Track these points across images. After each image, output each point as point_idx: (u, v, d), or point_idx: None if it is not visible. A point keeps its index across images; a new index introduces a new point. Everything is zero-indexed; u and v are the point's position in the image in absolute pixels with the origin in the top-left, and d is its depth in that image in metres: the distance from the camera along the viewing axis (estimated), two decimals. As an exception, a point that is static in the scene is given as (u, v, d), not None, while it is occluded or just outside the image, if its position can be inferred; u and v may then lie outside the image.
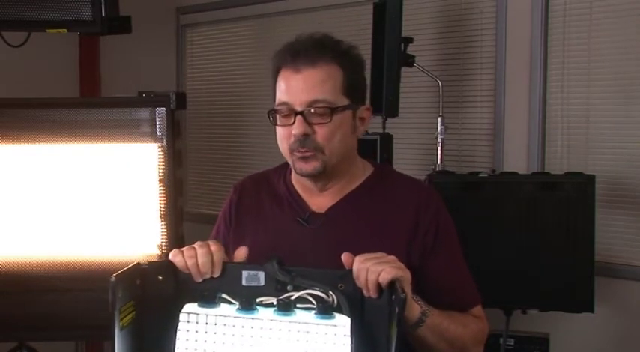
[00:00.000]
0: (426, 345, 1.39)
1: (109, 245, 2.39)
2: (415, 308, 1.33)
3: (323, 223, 1.52)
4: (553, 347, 2.45)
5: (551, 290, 2.30)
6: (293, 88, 1.45)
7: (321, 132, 1.45)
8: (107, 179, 2.39)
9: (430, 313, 1.35)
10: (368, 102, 1.66)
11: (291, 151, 1.48)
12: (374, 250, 1.28)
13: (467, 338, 1.45)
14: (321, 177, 1.51)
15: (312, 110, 1.44)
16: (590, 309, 2.29)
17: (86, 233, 2.40)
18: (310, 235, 1.51)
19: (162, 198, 2.38)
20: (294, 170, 1.50)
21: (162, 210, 2.38)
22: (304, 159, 1.46)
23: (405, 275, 1.24)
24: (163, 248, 2.38)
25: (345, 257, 1.28)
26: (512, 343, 2.43)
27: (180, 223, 2.47)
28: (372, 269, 1.23)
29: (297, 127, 1.44)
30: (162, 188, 2.38)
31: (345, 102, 1.48)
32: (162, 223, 2.39)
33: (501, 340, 2.40)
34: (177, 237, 2.40)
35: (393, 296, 1.19)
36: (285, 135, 1.48)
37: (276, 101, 1.50)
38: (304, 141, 1.44)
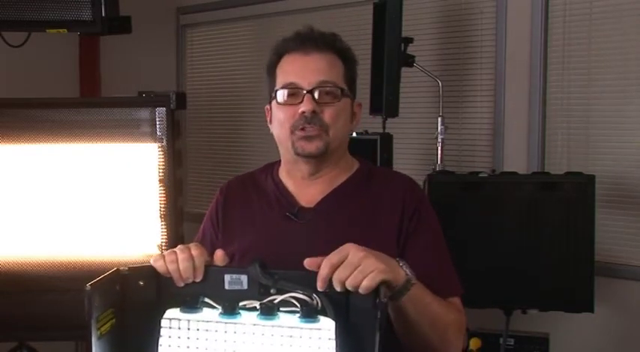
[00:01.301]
0: (406, 321, 1.35)
1: (109, 245, 2.39)
2: (400, 274, 1.28)
3: (312, 217, 1.52)
4: (553, 347, 2.45)
5: (551, 290, 2.29)
6: (302, 68, 1.49)
7: (328, 112, 1.47)
8: (107, 179, 2.39)
9: (415, 284, 1.30)
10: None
11: (293, 131, 1.48)
12: (364, 243, 1.25)
13: (449, 322, 1.41)
14: (319, 161, 1.51)
15: (322, 89, 1.47)
16: (590, 309, 2.29)
17: (86, 233, 2.40)
18: (300, 230, 1.50)
19: (162, 198, 2.38)
20: (295, 151, 1.49)
21: (162, 210, 2.38)
22: (308, 138, 1.47)
23: (385, 275, 1.21)
24: (163, 248, 2.38)
25: (308, 263, 1.22)
26: (512, 343, 2.43)
27: (181, 223, 2.47)
28: (350, 280, 1.19)
29: (306, 104, 1.46)
30: (162, 188, 2.38)
31: (347, 89, 1.52)
32: (162, 223, 2.39)
33: (501, 340, 2.40)
34: (177, 237, 2.40)
35: (377, 300, 1.17)
36: (288, 116, 1.48)
37: (280, 84, 1.51)
38: (311, 118, 1.46)
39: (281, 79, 1.51)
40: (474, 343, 2.40)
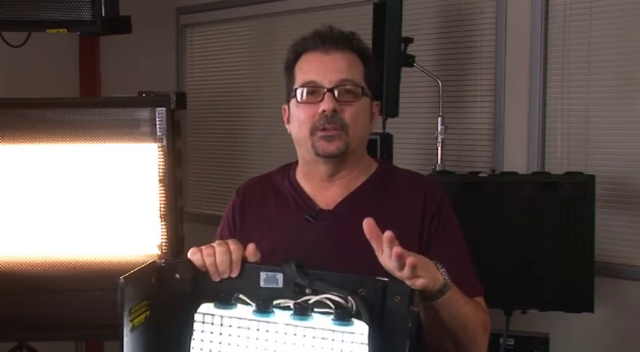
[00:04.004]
0: (439, 322, 1.34)
1: (110, 245, 2.39)
2: (439, 279, 1.28)
3: (331, 220, 1.51)
4: (553, 347, 2.45)
5: (551, 290, 2.30)
6: (322, 67, 1.48)
7: (348, 111, 1.47)
8: (107, 179, 2.40)
9: (451, 287, 1.31)
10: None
11: (313, 131, 1.47)
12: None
13: (478, 323, 1.41)
14: (338, 161, 1.51)
15: (343, 88, 1.46)
16: (590, 309, 2.29)
17: (86, 233, 2.40)
18: (319, 232, 1.49)
19: (162, 198, 2.38)
20: (315, 151, 1.48)
21: (162, 210, 2.38)
22: (328, 138, 1.46)
23: (428, 283, 1.24)
24: (163, 248, 2.38)
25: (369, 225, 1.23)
26: (512, 343, 2.43)
27: (180, 223, 2.47)
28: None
29: (327, 103, 1.45)
30: (162, 188, 2.38)
31: (367, 88, 1.52)
32: (162, 223, 2.39)
33: (501, 340, 2.40)
34: (177, 237, 2.40)
35: (410, 308, 1.17)
36: (308, 115, 1.47)
37: (300, 82, 1.50)
38: (332, 117, 1.45)
39: (300, 77, 1.50)
40: (474, 343, 2.40)
